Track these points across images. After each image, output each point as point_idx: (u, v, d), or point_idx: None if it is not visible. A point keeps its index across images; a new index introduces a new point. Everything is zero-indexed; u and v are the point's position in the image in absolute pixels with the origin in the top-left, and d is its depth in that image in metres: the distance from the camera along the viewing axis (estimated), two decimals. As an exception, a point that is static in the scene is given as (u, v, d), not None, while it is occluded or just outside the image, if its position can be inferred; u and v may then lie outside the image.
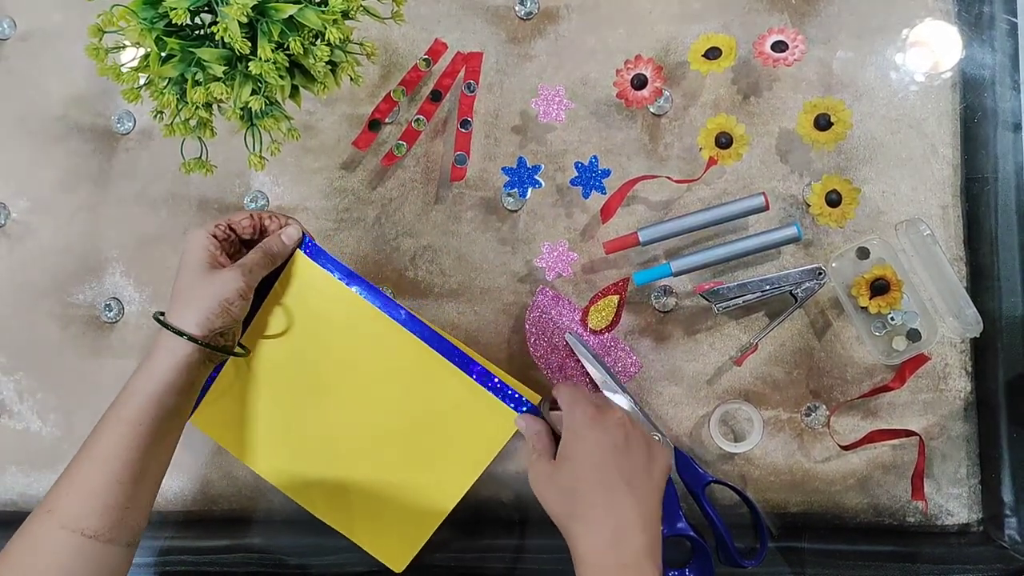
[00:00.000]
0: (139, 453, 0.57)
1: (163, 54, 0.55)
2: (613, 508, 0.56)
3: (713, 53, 0.68)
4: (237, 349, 0.65)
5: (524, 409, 0.65)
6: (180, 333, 0.59)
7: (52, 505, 0.56)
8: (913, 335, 0.68)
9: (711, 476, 0.68)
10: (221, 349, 0.62)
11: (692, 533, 0.65)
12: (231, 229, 0.64)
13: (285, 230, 0.65)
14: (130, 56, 0.57)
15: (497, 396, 0.65)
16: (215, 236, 0.62)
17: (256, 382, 0.68)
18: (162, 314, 0.61)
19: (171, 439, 0.61)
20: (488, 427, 0.66)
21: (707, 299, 0.68)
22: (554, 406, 0.64)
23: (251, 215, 0.64)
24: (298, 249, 0.66)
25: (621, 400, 0.67)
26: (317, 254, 0.66)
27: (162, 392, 0.58)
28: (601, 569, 0.55)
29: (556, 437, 0.62)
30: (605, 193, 0.70)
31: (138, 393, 0.58)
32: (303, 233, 0.66)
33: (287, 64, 0.56)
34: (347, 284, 0.66)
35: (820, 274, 0.67)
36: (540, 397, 0.66)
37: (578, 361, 0.69)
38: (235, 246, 0.65)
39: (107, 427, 0.57)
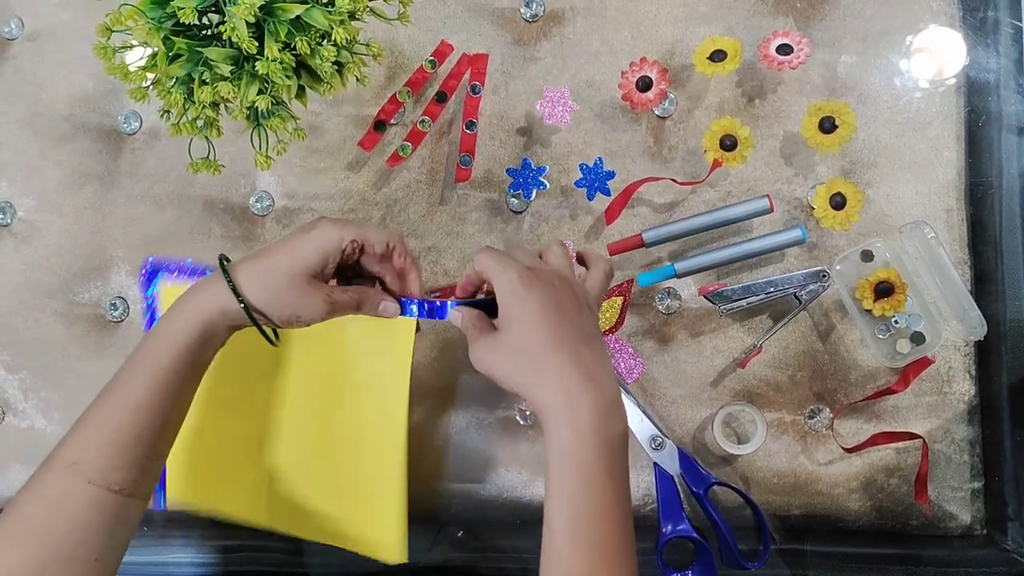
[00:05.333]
0: (171, 402, 0.54)
1: (170, 53, 0.55)
2: (576, 358, 0.50)
3: (718, 56, 0.68)
4: (271, 335, 0.59)
5: (450, 306, 0.59)
6: (238, 298, 0.54)
7: (76, 458, 0.51)
8: (917, 338, 0.68)
9: (714, 478, 0.68)
10: (262, 330, 0.57)
11: (695, 534, 0.65)
12: (360, 247, 0.58)
13: (386, 305, 0.59)
14: (137, 55, 0.58)
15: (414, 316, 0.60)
16: (343, 250, 0.56)
17: (199, 426, 0.65)
18: (228, 260, 0.56)
19: (193, 391, 0.57)
20: (392, 343, 0.61)
21: (711, 301, 0.68)
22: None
23: (388, 242, 0.58)
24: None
25: (624, 400, 0.67)
26: None
27: (201, 341, 0.54)
28: (574, 414, 0.49)
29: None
30: (609, 195, 0.70)
31: (177, 338, 0.53)
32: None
33: (294, 64, 0.56)
34: None
35: (824, 276, 0.67)
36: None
37: None
38: (349, 259, 0.59)
39: (139, 373, 0.53)
